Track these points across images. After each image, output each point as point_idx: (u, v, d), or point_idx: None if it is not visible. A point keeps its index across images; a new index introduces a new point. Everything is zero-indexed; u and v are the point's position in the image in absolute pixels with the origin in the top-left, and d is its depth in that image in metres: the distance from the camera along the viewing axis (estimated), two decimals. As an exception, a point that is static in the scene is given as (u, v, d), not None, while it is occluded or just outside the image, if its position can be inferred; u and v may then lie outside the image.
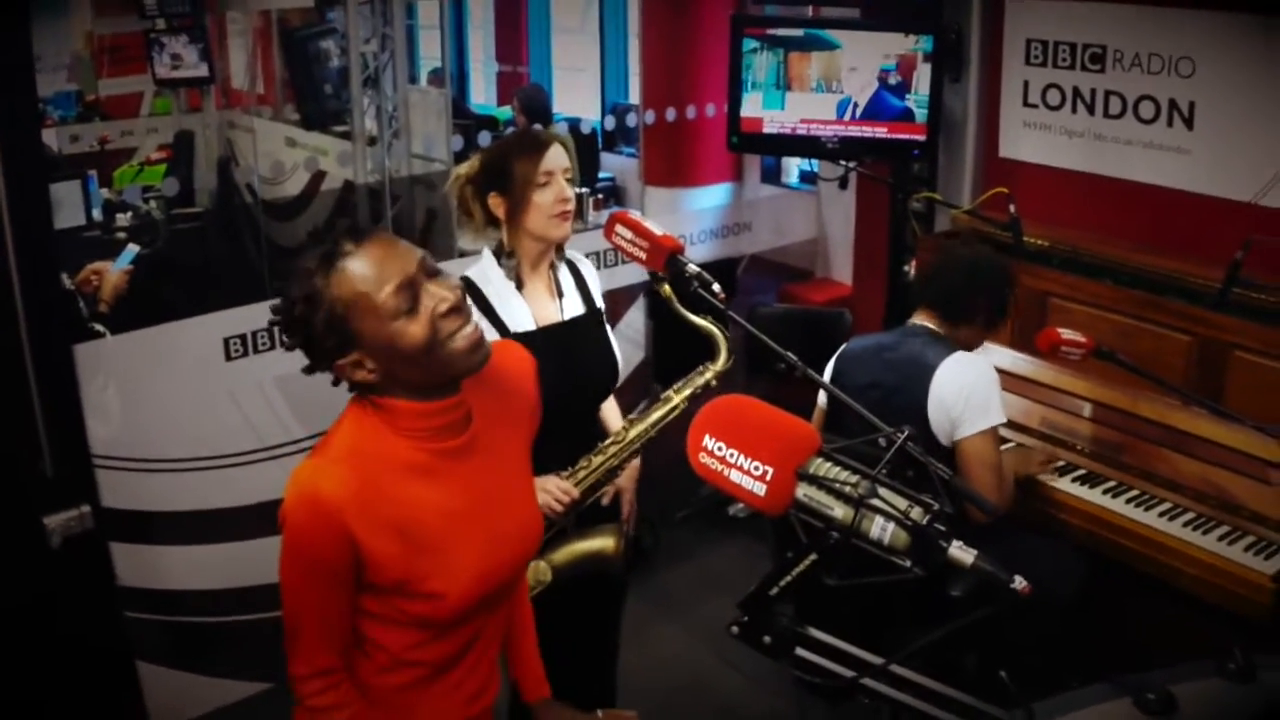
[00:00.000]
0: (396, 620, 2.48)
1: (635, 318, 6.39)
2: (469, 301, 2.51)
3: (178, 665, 4.71)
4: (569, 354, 3.74)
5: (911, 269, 6.00)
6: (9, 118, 3.87)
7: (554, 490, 3.57)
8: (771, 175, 8.53)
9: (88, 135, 12.55)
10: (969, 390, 4.11)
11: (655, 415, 3.67)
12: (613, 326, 4.02)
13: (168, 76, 11.90)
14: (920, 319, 4.39)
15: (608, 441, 3.69)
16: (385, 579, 2.40)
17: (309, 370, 2.49)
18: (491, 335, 3.55)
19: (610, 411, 4.00)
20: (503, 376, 2.69)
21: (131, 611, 4.58)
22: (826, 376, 4.47)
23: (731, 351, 3.63)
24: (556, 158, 3.67)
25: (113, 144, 12.62)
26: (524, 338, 3.62)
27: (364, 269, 2.35)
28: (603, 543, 3.62)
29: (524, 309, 3.70)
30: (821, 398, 4.55)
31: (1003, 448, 4.36)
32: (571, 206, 3.68)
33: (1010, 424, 4.30)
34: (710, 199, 7.90)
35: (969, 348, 4.34)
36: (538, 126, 7.96)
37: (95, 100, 13.47)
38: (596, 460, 3.67)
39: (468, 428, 2.54)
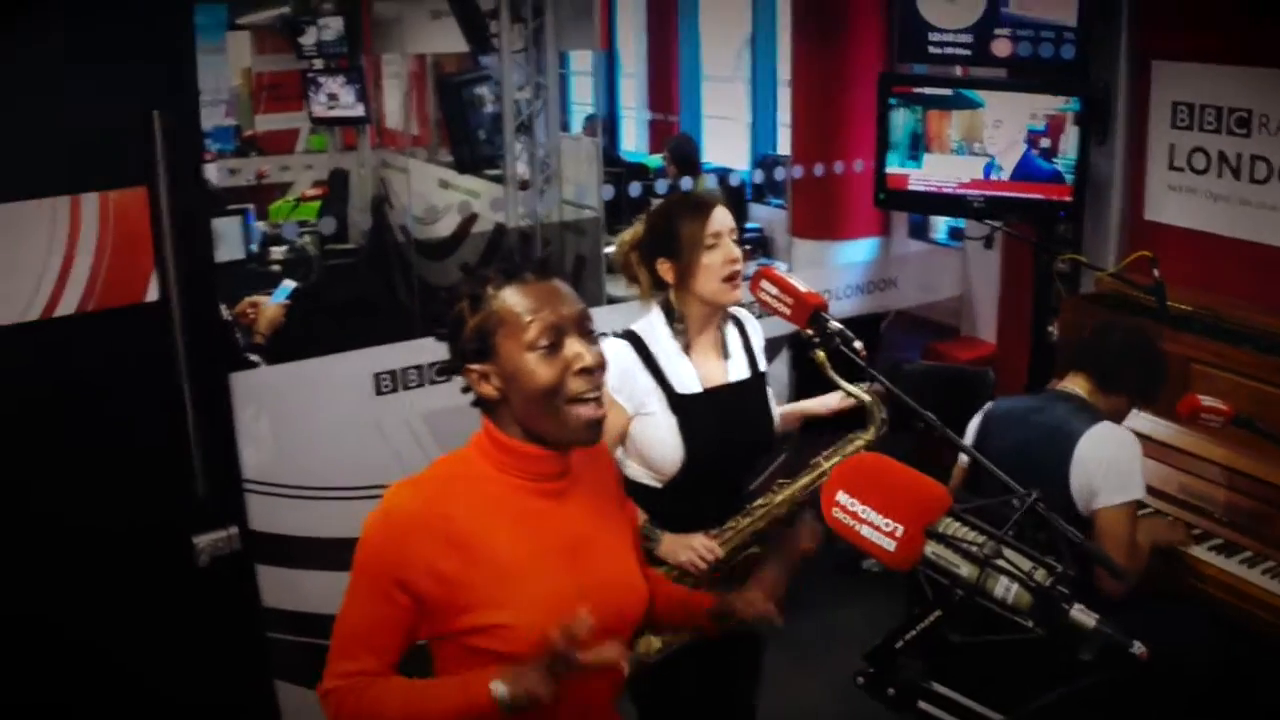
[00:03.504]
0: (477, 668, 2.44)
1: (779, 370, 6.41)
2: (608, 379, 2.59)
3: (314, 685, 4.79)
4: (730, 417, 3.74)
5: (1055, 330, 5.98)
6: (175, 154, 3.98)
7: (699, 547, 3.59)
8: (919, 231, 8.51)
9: (246, 170, 12.80)
10: (1111, 461, 4.06)
11: (803, 480, 3.70)
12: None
13: (324, 115, 12.16)
14: (1070, 384, 4.36)
15: (755, 503, 3.72)
16: (452, 602, 2.44)
17: (446, 368, 2.61)
18: (658, 394, 3.64)
19: None
20: (602, 459, 2.83)
21: (273, 632, 4.66)
22: (971, 434, 4.46)
23: (882, 423, 3.65)
24: (722, 219, 3.67)
25: (269, 179, 12.84)
26: (690, 400, 3.66)
27: (526, 296, 2.48)
28: None
29: (691, 371, 3.70)
30: (963, 455, 4.53)
31: (1140, 512, 4.33)
32: (740, 267, 3.67)
33: (1148, 489, 4.25)
34: (857, 253, 7.93)
35: (1116, 419, 4.31)
36: (697, 185, 8.04)
37: (252, 136, 13.74)
38: (744, 522, 3.68)
39: (563, 479, 2.60)
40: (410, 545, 2.41)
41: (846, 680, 2.20)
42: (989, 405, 4.56)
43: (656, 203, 4.29)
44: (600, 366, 2.52)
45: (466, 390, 2.59)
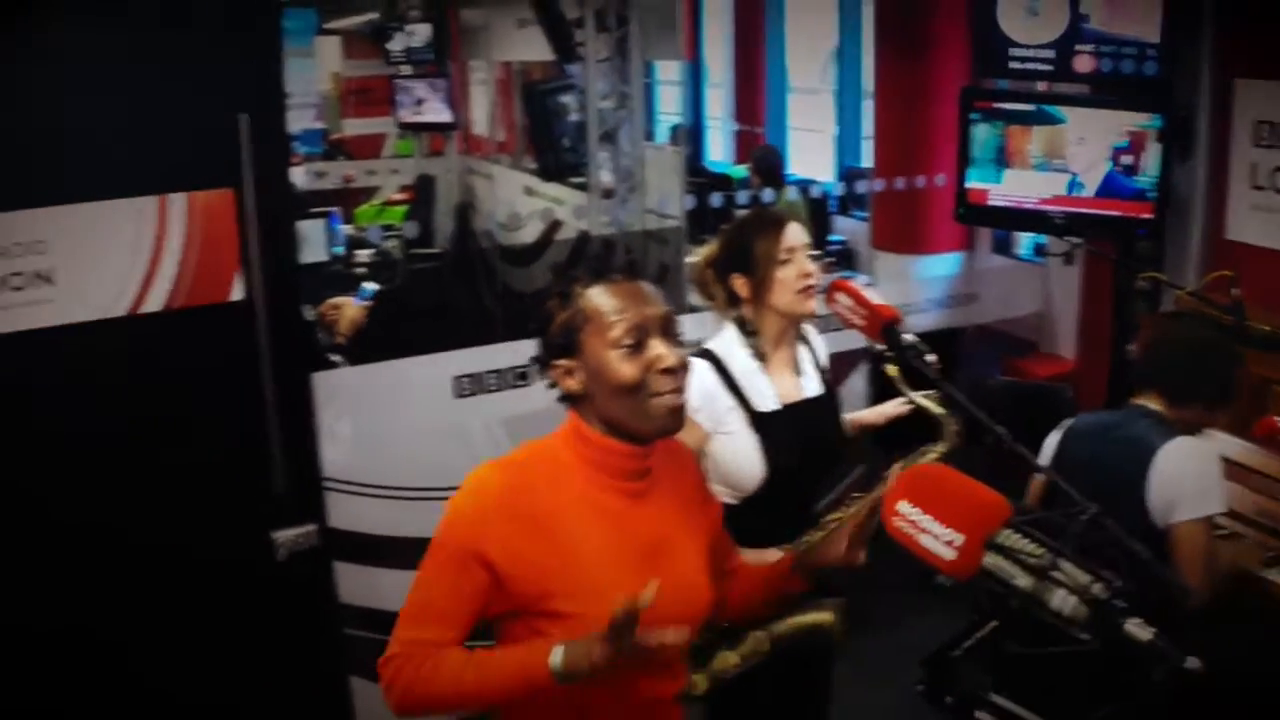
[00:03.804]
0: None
1: (858, 383, 6.42)
2: (692, 377, 2.62)
3: (389, 682, 4.83)
4: (806, 432, 3.75)
5: (1134, 348, 5.93)
6: (262, 157, 4.06)
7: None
8: (1003, 246, 8.46)
9: (333, 173, 12.90)
10: (1188, 476, 4.01)
11: (878, 493, 3.69)
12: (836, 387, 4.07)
13: (411, 120, 12.22)
14: (1144, 400, 4.34)
15: (830, 517, 3.72)
16: (525, 583, 2.48)
17: (536, 360, 2.68)
18: (738, 412, 3.65)
19: None
20: (686, 463, 2.88)
21: (349, 628, 4.72)
22: (1049, 450, 4.44)
23: (956, 435, 3.65)
24: (796, 234, 3.70)
25: (355, 183, 12.93)
26: (769, 417, 3.67)
27: (613, 296, 2.54)
28: (823, 617, 3.62)
29: (769, 387, 3.71)
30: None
31: (1217, 534, 4.29)
32: (815, 281, 3.69)
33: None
34: (940, 267, 7.89)
35: (1192, 431, 4.26)
36: (780, 197, 8.04)
37: (340, 140, 13.84)
38: (818, 536, 3.69)
39: (644, 479, 2.65)
40: (492, 522, 2.46)
41: (917, 695, 2.22)
42: (1068, 421, 4.53)
43: (739, 214, 4.31)
44: (682, 367, 2.56)
45: (552, 386, 2.65)
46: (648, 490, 2.66)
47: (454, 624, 2.51)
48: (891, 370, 3.43)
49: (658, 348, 2.52)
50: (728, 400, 3.65)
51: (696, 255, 3.91)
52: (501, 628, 2.60)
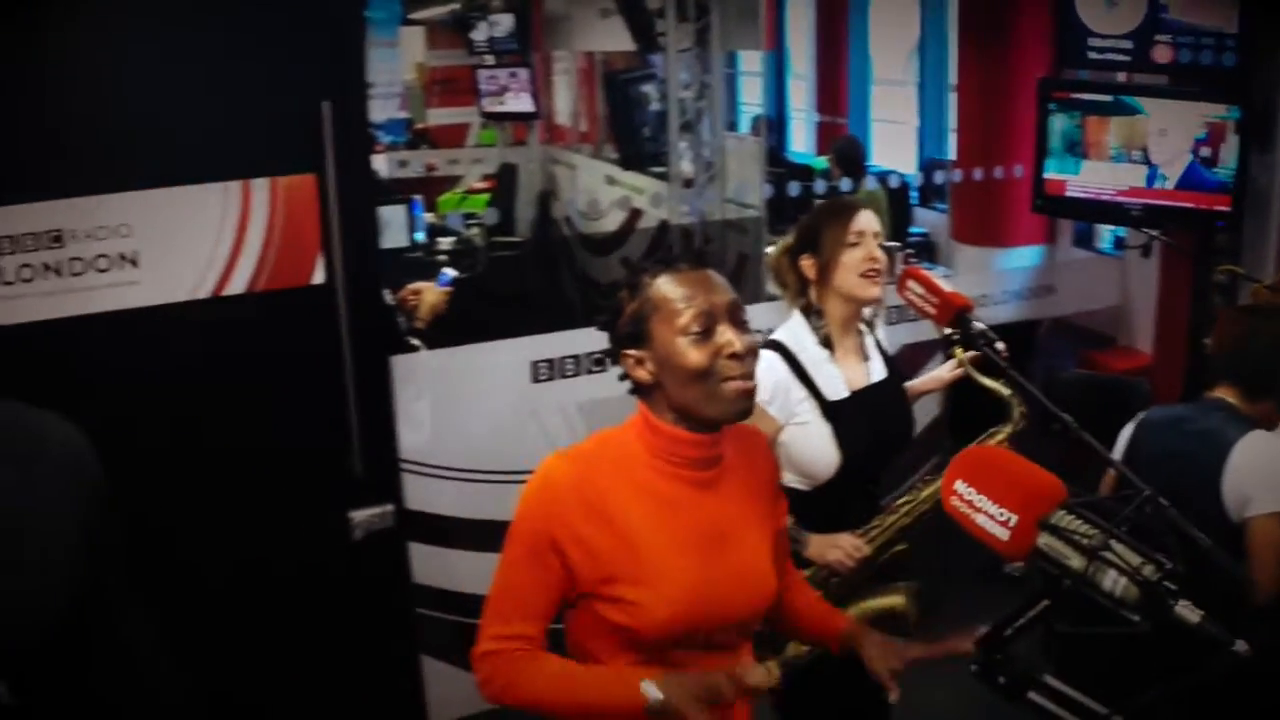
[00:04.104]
0: (604, 634, 2.57)
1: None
2: (760, 367, 2.65)
3: (460, 664, 4.86)
4: (875, 417, 3.76)
5: (1209, 341, 5.88)
6: (344, 143, 4.12)
7: (846, 546, 3.59)
8: (1084, 239, 8.42)
9: (416, 162, 12.97)
10: (1263, 470, 3.96)
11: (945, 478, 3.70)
12: (910, 379, 4.09)
13: (494, 110, 12.26)
14: (1220, 393, 4.30)
15: (901, 500, 3.74)
16: (591, 569, 2.52)
17: (607, 354, 2.72)
18: (810, 402, 3.67)
19: None
20: (760, 455, 2.87)
21: (422, 608, 4.79)
22: (1123, 443, 4.42)
23: (1022, 416, 3.66)
24: (866, 220, 3.71)
25: (438, 171, 12.99)
26: (840, 405, 3.68)
27: (680, 284, 2.56)
28: (895, 600, 3.64)
29: (837, 376, 3.72)
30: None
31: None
32: (880, 266, 3.69)
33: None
34: (1020, 260, 7.86)
35: (1267, 425, 4.24)
36: (859, 187, 8.03)
37: (424, 129, 13.92)
38: (889, 519, 3.69)
39: (712, 469, 2.66)
40: (562, 511, 2.50)
41: (981, 686, 2.22)
42: (1141, 414, 4.52)
43: (817, 203, 4.34)
44: (751, 352, 2.57)
45: (624, 378, 2.67)
46: (717, 480, 2.67)
47: (537, 616, 2.56)
48: (959, 354, 3.46)
49: (726, 334, 2.53)
50: (800, 391, 3.67)
51: (777, 244, 3.95)
52: (567, 612, 2.64)
